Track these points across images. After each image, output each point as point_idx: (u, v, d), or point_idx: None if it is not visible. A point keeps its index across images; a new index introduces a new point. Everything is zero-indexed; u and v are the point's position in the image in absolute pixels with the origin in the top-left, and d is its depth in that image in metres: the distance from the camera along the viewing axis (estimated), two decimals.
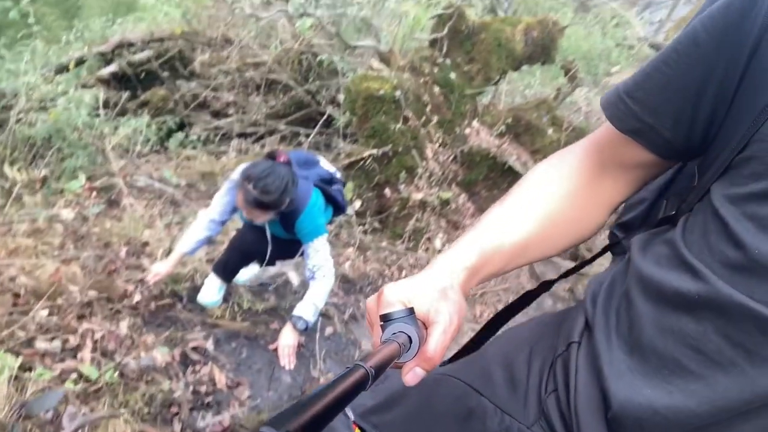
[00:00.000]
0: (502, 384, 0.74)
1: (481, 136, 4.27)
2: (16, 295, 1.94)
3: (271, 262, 2.48)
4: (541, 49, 4.49)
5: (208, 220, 2.10)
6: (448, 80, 4.11)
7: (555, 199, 0.71)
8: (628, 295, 0.63)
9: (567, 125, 4.53)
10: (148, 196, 3.16)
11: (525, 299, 0.89)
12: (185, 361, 2.01)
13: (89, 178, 3.02)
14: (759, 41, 0.51)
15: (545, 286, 0.89)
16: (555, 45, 4.61)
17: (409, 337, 0.55)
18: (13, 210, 2.53)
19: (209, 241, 2.22)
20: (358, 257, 3.40)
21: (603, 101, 0.67)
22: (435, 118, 3.99)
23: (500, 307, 3.62)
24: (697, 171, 0.64)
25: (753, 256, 0.49)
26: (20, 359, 1.65)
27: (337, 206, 2.31)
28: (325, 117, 4.35)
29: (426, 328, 0.59)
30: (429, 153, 3.91)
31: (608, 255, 0.86)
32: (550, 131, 4.46)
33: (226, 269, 2.31)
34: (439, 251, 3.71)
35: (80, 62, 4.39)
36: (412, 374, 0.56)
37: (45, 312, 1.90)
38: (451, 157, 4.04)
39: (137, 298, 2.18)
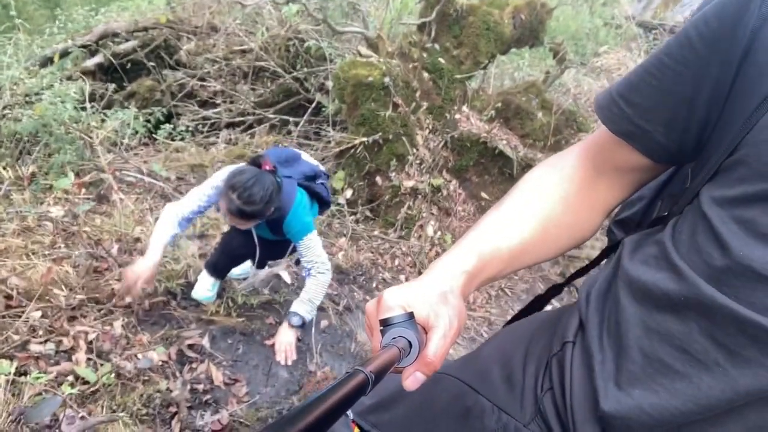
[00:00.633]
0: (499, 382, 0.75)
1: (471, 122, 4.26)
2: (8, 297, 1.91)
3: (261, 264, 2.47)
4: (530, 32, 4.45)
5: (181, 218, 1.96)
6: (437, 65, 4.07)
7: (551, 203, 0.72)
8: (616, 295, 0.64)
9: (557, 108, 4.52)
10: (137, 191, 3.13)
11: (535, 304, 0.90)
12: (182, 360, 2.00)
13: (77, 174, 2.97)
14: (750, 45, 0.52)
15: (555, 290, 0.90)
16: (543, 27, 4.56)
17: (409, 341, 0.56)
18: (1, 208, 2.49)
19: (175, 238, 2.05)
20: (350, 247, 3.40)
21: (596, 103, 0.67)
22: (425, 105, 3.96)
23: (493, 293, 3.65)
24: (690, 173, 0.65)
25: (738, 258, 0.49)
26: (15, 363, 1.63)
27: (322, 202, 2.29)
28: (314, 105, 4.31)
29: (426, 333, 0.59)
30: (419, 140, 3.89)
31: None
32: (539, 115, 4.45)
33: (217, 269, 2.30)
34: (431, 238, 3.72)
35: (65, 54, 4.31)
36: (413, 379, 0.57)
37: (38, 314, 1.87)
38: (442, 144, 4.03)
39: (129, 298, 2.17)
